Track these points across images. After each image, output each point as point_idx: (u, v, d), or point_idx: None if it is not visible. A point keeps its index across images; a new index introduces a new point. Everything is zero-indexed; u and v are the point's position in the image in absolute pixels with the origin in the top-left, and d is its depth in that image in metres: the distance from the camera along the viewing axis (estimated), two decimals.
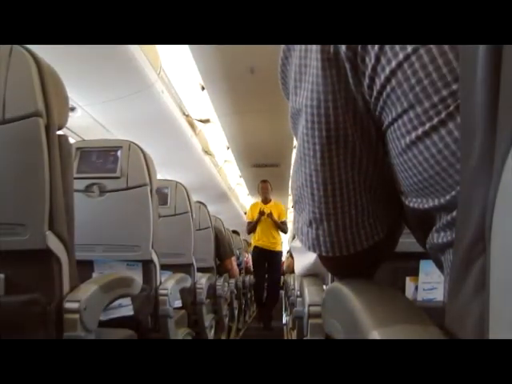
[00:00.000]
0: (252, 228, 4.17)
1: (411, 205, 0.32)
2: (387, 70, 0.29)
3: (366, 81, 0.30)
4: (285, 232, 4.22)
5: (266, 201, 4.24)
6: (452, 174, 0.27)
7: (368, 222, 0.36)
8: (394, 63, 0.28)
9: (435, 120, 0.27)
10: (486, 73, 0.21)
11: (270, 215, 4.03)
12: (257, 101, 3.63)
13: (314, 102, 0.33)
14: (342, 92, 0.31)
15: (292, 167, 0.43)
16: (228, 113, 3.86)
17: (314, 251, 0.38)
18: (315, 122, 0.33)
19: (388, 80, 0.29)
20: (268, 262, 4.15)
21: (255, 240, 4.19)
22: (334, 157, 0.33)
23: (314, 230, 0.37)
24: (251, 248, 4.47)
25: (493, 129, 0.21)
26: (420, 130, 0.28)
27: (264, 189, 4.24)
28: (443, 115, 0.27)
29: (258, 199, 4.40)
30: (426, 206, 0.30)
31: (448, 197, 0.28)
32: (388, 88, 0.29)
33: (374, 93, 0.30)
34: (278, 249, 4.19)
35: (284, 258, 4.57)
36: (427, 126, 0.27)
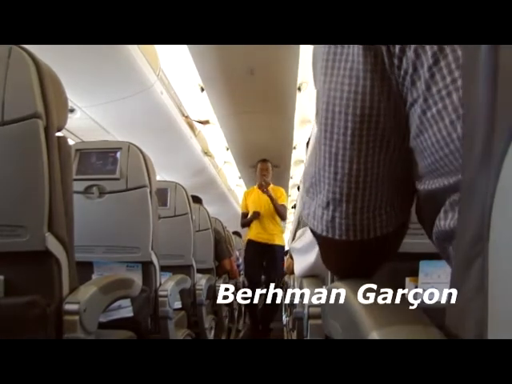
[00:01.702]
0: (247, 223, 3.47)
1: (425, 187, 0.32)
2: (412, 50, 0.29)
3: (396, 61, 0.31)
4: (283, 218, 3.45)
5: (264, 184, 3.39)
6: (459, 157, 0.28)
7: (385, 209, 0.36)
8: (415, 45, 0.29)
9: (447, 101, 0.28)
10: (488, 69, 0.21)
11: (268, 193, 3.25)
12: (256, 102, 3.63)
13: (352, 81, 0.33)
14: (378, 72, 0.32)
15: (308, 151, 0.43)
16: (227, 114, 3.86)
17: (327, 234, 0.38)
18: (351, 100, 0.33)
19: (412, 61, 0.30)
20: (266, 259, 3.40)
21: (251, 233, 3.46)
22: (364, 135, 0.33)
23: (331, 211, 0.37)
24: (244, 243, 3.72)
25: (493, 128, 0.21)
26: (434, 110, 0.29)
27: (263, 170, 3.41)
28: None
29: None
30: (437, 185, 0.31)
31: (458, 176, 0.28)
32: (411, 69, 0.30)
33: (402, 72, 0.31)
34: (277, 242, 3.42)
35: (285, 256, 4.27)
36: (440, 105, 0.28)
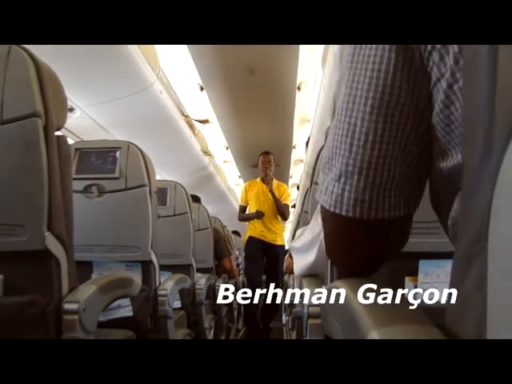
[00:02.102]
0: (246, 219, 3.34)
1: (448, 163, 0.33)
2: None
3: None
4: (285, 218, 3.32)
5: (267, 179, 3.29)
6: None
7: (394, 192, 0.36)
8: None
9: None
10: (488, 69, 0.21)
11: (271, 189, 3.15)
12: (256, 101, 3.63)
13: (376, 59, 0.34)
14: (403, 50, 0.33)
15: (329, 128, 0.43)
16: (227, 113, 3.86)
17: (334, 210, 0.38)
18: (374, 76, 0.34)
19: None
20: (268, 259, 3.29)
21: (253, 230, 3.31)
22: (383, 108, 0.34)
23: (341, 184, 0.37)
24: (244, 239, 3.53)
25: (492, 128, 0.21)
26: (461, 82, 0.29)
27: (265, 163, 3.25)
28: None
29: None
30: (460, 160, 0.31)
31: None
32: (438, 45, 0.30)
33: (429, 47, 0.31)
34: (279, 242, 3.32)
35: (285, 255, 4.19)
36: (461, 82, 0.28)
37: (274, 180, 3.29)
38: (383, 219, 0.37)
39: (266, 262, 3.30)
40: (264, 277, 3.37)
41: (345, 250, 0.43)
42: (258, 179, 3.34)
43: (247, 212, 3.39)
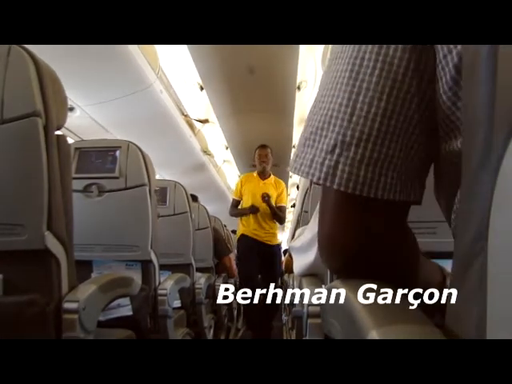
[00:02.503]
0: (238, 214, 3.09)
1: (451, 146, 0.32)
2: None
3: None
4: (281, 222, 3.09)
5: (263, 174, 3.08)
6: None
7: (392, 173, 0.34)
8: None
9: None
10: (488, 69, 0.21)
11: (267, 200, 2.91)
12: (256, 101, 3.63)
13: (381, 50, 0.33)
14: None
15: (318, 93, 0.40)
16: (227, 113, 3.87)
17: (324, 182, 0.35)
18: (382, 53, 0.33)
19: None
20: (263, 260, 3.02)
21: (245, 227, 3.04)
22: (390, 79, 0.33)
23: (336, 155, 0.35)
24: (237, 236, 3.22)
25: (492, 129, 0.21)
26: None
27: (263, 156, 3.04)
28: None
29: None
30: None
31: None
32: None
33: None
34: (275, 242, 3.10)
35: (282, 255, 3.77)
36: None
37: (272, 176, 3.11)
38: (376, 199, 0.35)
39: (262, 263, 3.02)
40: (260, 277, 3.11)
41: (334, 230, 0.38)
42: (255, 173, 3.11)
43: (240, 207, 3.14)
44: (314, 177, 0.36)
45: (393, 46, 0.33)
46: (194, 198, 2.87)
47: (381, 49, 0.33)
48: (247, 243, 2.99)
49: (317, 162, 0.36)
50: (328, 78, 0.37)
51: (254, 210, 2.95)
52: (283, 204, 3.06)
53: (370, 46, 0.34)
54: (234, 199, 3.15)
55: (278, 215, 3.00)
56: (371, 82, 0.33)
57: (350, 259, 0.38)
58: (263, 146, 3.07)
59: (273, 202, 2.98)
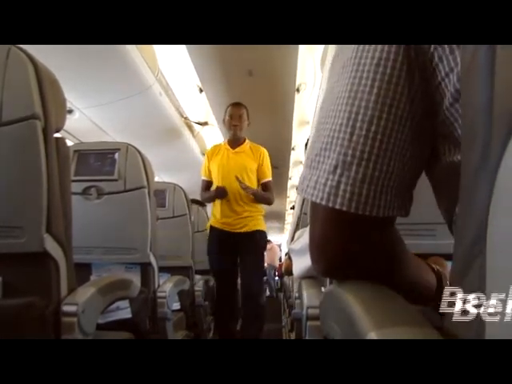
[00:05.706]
0: (208, 199, 2.21)
1: (456, 158, 0.32)
2: None
3: None
4: (270, 203, 2.18)
5: (234, 141, 2.20)
6: None
7: (391, 189, 0.35)
8: None
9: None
10: (486, 74, 0.21)
11: (245, 188, 2.02)
12: (255, 103, 3.63)
13: (384, 48, 0.34)
14: (406, 49, 0.33)
15: (318, 117, 0.41)
16: None
17: (327, 203, 0.35)
18: (381, 65, 0.34)
19: None
20: (239, 252, 2.12)
21: (212, 214, 2.19)
22: (389, 97, 0.33)
23: (337, 176, 0.35)
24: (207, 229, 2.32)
25: (491, 131, 0.21)
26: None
27: (235, 118, 2.15)
28: None
29: None
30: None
31: None
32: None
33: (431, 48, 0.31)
34: (253, 227, 2.12)
35: (269, 246, 3.51)
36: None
37: (247, 142, 2.23)
38: (377, 217, 0.35)
39: (240, 256, 2.14)
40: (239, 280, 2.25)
41: (331, 247, 0.38)
42: (224, 142, 2.27)
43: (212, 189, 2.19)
44: (318, 198, 0.36)
45: (390, 64, 0.33)
46: (198, 202, 2.77)
47: (378, 67, 0.34)
48: (215, 239, 2.13)
49: (320, 182, 0.36)
50: (330, 100, 0.38)
51: (221, 193, 2.08)
52: (268, 178, 2.18)
53: (367, 65, 0.34)
54: (203, 180, 2.23)
55: (263, 198, 2.15)
56: (370, 101, 0.34)
57: (336, 264, 0.39)
58: (237, 104, 2.21)
59: (253, 176, 2.15)
